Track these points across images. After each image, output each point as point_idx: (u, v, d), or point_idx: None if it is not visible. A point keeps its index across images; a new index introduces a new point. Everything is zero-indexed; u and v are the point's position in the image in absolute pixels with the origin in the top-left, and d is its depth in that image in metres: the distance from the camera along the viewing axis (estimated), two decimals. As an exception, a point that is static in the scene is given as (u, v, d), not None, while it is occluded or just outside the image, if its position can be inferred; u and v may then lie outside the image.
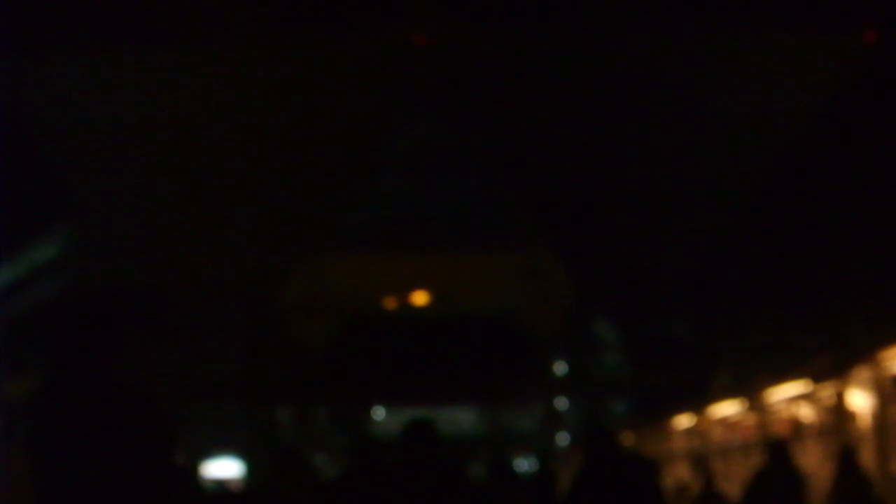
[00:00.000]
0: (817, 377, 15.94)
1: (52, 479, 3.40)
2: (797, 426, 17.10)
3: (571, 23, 22.31)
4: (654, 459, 8.01)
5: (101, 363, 3.55)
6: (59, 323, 3.61)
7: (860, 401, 14.96)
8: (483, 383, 29.57)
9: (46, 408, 3.49)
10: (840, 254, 20.38)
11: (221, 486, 21.67)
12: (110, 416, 3.47)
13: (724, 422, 20.66)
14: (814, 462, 15.30)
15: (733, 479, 16.72)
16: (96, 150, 23.41)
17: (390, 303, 28.61)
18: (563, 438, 32.76)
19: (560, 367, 32.05)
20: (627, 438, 25.49)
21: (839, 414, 15.41)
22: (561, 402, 33.38)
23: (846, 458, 11.36)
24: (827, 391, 15.86)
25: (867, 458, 13.40)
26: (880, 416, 14.25)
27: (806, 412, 17.02)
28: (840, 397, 15.36)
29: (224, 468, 28.42)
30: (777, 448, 10.76)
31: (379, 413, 32.48)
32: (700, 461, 16.56)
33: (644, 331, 28.85)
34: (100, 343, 3.57)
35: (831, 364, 15.51)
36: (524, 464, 27.92)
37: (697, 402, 22.11)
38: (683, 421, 23.00)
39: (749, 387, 18.87)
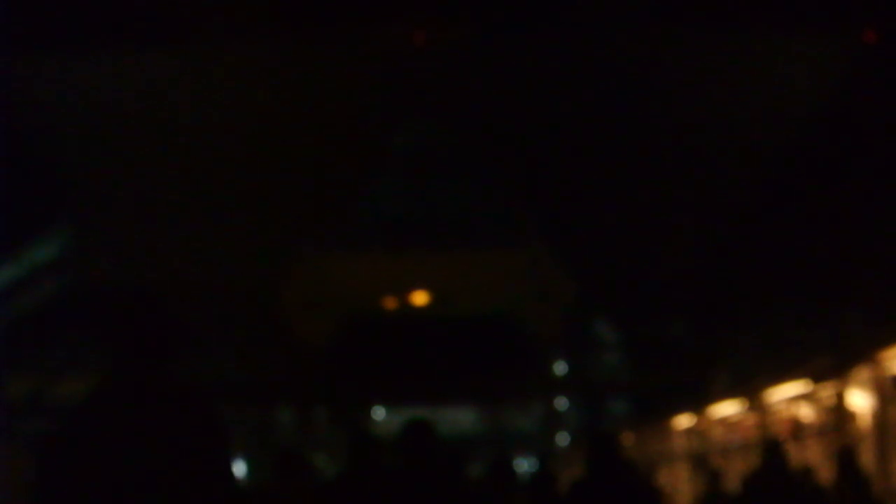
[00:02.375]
0: (817, 377, 15.93)
1: (110, 478, 3.36)
2: (797, 426, 17.10)
3: (571, 23, 22.30)
4: (657, 488, 7.99)
5: (158, 364, 3.55)
6: (114, 322, 3.57)
7: (860, 401, 14.97)
8: (483, 383, 29.56)
9: (106, 408, 3.46)
10: (839, 253, 20.37)
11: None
12: (171, 417, 3.45)
13: (724, 422, 20.65)
14: (814, 462, 15.30)
15: (733, 479, 16.73)
16: (96, 150, 23.41)
17: (390, 303, 28.63)
18: (563, 438, 32.79)
19: (560, 367, 32.06)
20: (627, 438, 25.49)
21: (839, 414, 15.42)
22: (561, 402, 33.41)
23: (846, 458, 11.35)
24: (827, 391, 15.86)
25: (867, 458, 13.40)
26: (880, 416, 14.26)
27: (806, 412, 17.02)
28: (840, 397, 15.36)
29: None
30: (772, 449, 10.75)
31: (379, 413, 32.48)
32: (700, 461, 16.57)
33: (644, 331, 28.83)
34: (160, 343, 3.57)
35: (831, 364, 15.51)
36: (524, 464, 27.92)
37: (697, 402, 22.11)
38: (683, 421, 22.99)
39: (749, 387, 18.86)
